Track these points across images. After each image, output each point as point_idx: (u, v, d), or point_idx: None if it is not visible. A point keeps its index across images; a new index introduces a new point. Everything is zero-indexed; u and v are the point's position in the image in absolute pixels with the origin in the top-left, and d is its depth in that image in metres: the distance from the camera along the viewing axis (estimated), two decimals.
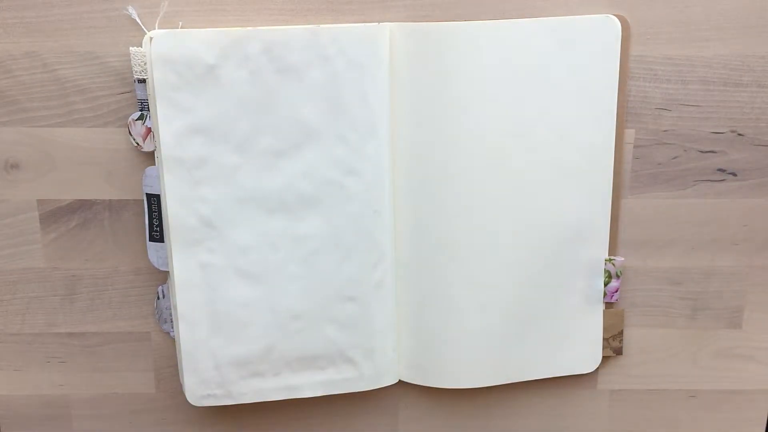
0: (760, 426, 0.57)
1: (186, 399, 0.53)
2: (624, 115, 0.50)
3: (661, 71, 0.50)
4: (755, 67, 0.50)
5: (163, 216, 0.50)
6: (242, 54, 0.47)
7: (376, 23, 0.48)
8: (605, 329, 0.54)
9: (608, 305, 0.54)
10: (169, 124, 0.48)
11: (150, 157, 0.50)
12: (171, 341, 0.54)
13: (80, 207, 0.52)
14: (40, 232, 0.52)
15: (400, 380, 0.53)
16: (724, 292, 0.54)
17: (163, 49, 0.46)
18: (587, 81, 0.49)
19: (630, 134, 0.51)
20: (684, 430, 0.57)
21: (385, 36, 0.48)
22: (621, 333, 0.55)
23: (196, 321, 0.51)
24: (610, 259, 0.53)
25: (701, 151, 0.51)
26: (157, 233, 0.51)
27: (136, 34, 0.48)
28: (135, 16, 0.48)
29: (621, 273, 0.53)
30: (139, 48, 0.47)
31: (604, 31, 0.48)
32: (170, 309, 0.53)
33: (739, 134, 0.51)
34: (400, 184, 0.51)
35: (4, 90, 0.49)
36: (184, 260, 0.50)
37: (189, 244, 0.50)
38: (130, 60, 0.48)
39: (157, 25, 0.48)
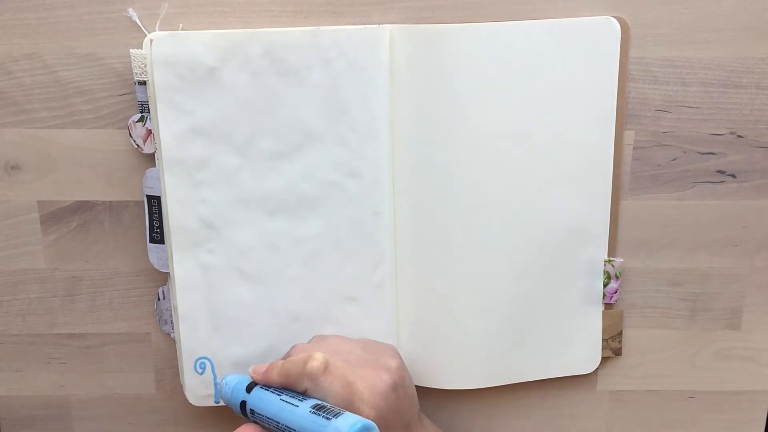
0: (759, 427, 0.57)
1: (186, 399, 0.53)
2: (623, 117, 0.50)
3: (660, 73, 0.50)
4: (755, 69, 0.50)
5: (163, 217, 0.50)
6: (243, 56, 0.47)
7: (377, 25, 0.48)
8: (604, 330, 0.54)
9: (607, 306, 0.54)
10: (169, 126, 0.48)
11: (150, 159, 0.50)
12: (171, 342, 0.54)
13: (81, 208, 0.52)
14: (41, 234, 0.52)
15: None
16: (723, 293, 0.54)
17: (163, 51, 0.46)
18: (587, 83, 0.49)
19: (629, 136, 0.51)
20: (683, 430, 0.57)
21: (386, 38, 0.48)
22: (620, 334, 0.55)
23: (196, 321, 0.51)
24: (609, 260, 0.53)
25: (701, 153, 0.51)
26: (157, 234, 0.51)
27: (137, 36, 0.48)
28: (135, 17, 0.48)
29: (620, 274, 0.53)
30: (140, 50, 0.47)
31: (603, 33, 0.48)
32: (170, 310, 0.53)
33: (739, 136, 0.51)
34: (400, 186, 0.51)
35: (4, 91, 0.49)
36: (185, 261, 0.50)
37: (189, 245, 0.50)
38: (130, 62, 0.48)
39: (157, 26, 0.48)
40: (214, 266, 0.50)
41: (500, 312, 0.52)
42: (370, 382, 0.45)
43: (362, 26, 0.48)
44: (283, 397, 0.43)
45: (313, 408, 0.42)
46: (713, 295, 0.54)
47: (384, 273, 0.52)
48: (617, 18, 0.48)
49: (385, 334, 0.52)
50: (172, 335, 0.54)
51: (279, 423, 0.43)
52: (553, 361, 0.54)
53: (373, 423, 0.41)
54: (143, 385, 0.55)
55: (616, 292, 0.53)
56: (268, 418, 0.44)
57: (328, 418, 0.41)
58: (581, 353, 0.54)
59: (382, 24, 0.48)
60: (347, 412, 0.42)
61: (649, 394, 0.56)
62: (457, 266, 0.51)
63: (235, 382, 0.46)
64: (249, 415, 0.45)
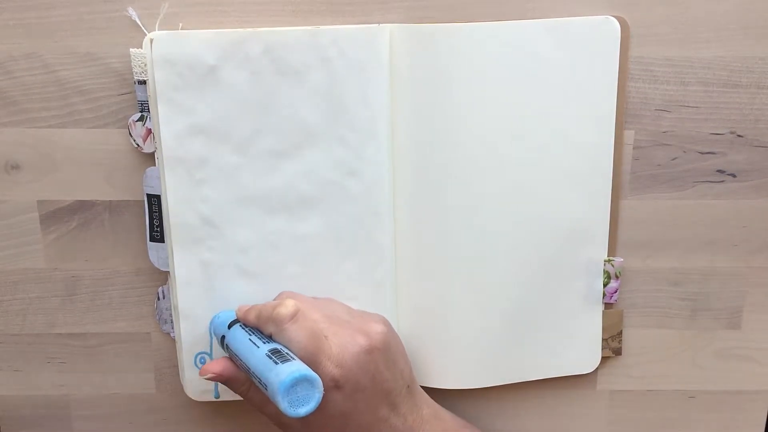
0: (759, 426, 0.57)
1: (186, 399, 0.53)
2: (623, 117, 0.50)
3: (660, 72, 0.50)
4: (755, 68, 0.50)
5: (163, 215, 0.50)
6: (243, 55, 0.47)
7: (377, 24, 0.48)
8: (604, 330, 0.54)
9: (607, 306, 0.54)
10: (170, 125, 0.48)
11: (150, 158, 0.50)
12: (171, 342, 0.54)
13: (80, 208, 0.52)
14: (41, 233, 0.52)
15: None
16: (723, 292, 0.54)
17: (163, 51, 0.46)
18: (586, 82, 0.49)
19: (629, 135, 0.51)
20: (683, 430, 0.57)
21: (385, 37, 0.48)
22: (620, 333, 0.55)
23: (196, 318, 0.51)
24: (609, 260, 0.53)
25: (701, 153, 0.51)
26: (157, 233, 0.51)
27: (137, 36, 0.48)
28: (135, 17, 0.48)
29: (620, 274, 0.53)
30: (140, 49, 0.47)
31: (603, 32, 0.48)
32: (170, 309, 0.53)
33: (739, 135, 0.51)
34: (400, 185, 0.51)
35: (4, 91, 0.49)
36: (185, 259, 0.50)
37: (189, 242, 0.50)
38: (130, 61, 0.48)
39: (157, 26, 0.48)
40: (215, 264, 0.50)
41: (500, 311, 0.52)
42: (344, 341, 0.45)
43: (362, 26, 0.48)
44: (252, 337, 0.45)
45: (269, 351, 0.43)
46: (713, 295, 0.54)
47: (384, 273, 0.52)
48: (617, 17, 0.48)
49: None
50: (171, 335, 0.54)
51: (241, 360, 0.45)
52: (553, 360, 0.54)
53: (317, 376, 0.41)
54: (143, 385, 0.55)
55: (616, 292, 0.53)
56: (235, 354, 0.45)
57: (276, 362, 0.41)
58: (581, 353, 0.54)
59: (382, 24, 0.48)
60: (297, 361, 0.42)
61: (649, 394, 0.56)
62: (457, 266, 0.51)
63: (223, 317, 0.49)
64: (225, 349, 0.47)
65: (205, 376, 0.46)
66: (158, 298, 0.53)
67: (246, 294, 0.51)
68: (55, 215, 0.52)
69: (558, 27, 0.48)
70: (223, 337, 0.48)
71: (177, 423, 0.56)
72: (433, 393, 0.53)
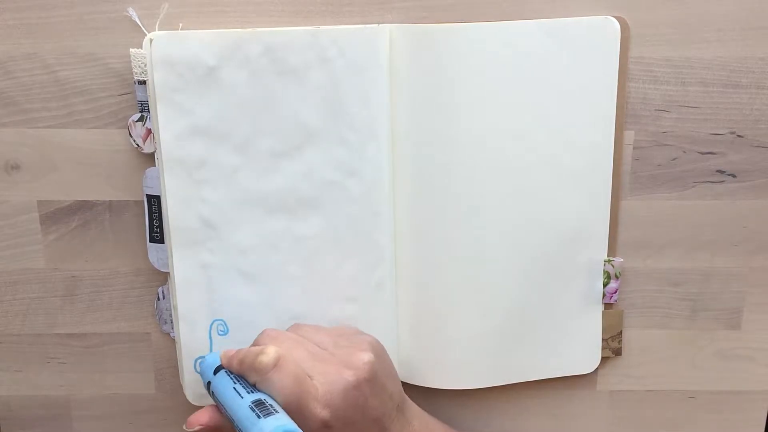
0: (759, 427, 0.57)
1: (186, 399, 0.53)
2: (623, 117, 0.50)
3: (660, 73, 0.50)
4: (755, 68, 0.50)
5: (163, 217, 0.50)
6: (243, 55, 0.47)
7: (376, 25, 0.48)
8: (604, 330, 0.54)
9: (607, 306, 0.54)
10: (169, 125, 0.48)
11: (150, 159, 0.50)
12: (171, 342, 0.54)
13: (80, 208, 0.52)
14: (41, 233, 0.52)
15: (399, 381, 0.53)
16: (723, 293, 0.54)
17: (163, 51, 0.46)
18: (587, 82, 0.49)
19: (629, 135, 0.51)
20: (683, 430, 0.57)
21: (385, 37, 0.48)
22: (620, 334, 0.55)
23: (196, 320, 0.51)
24: (609, 260, 0.53)
25: (701, 153, 0.51)
26: (157, 234, 0.51)
27: (137, 36, 0.48)
28: (135, 17, 0.48)
29: (620, 274, 0.53)
30: (140, 49, 0.48)
31: (603, 32, 0.48)
32: (170, 310, 0.53)
33: (739, 136, 0.51)
34: (400, 186, 0.51)
35: (4, 91, 0.49)
36: (185, 260, 0.50)
37: (189, 244, 0.50)
38: (130, 61, 0.48)
39: (157, 26, 0.48)
40: (214, 265, 0.50)
41: (500, 312, 0.52)
42: (330, 380, 0.44)
43: (362, 26, 0.48)
44: (236, 386, 0.44)
45: (253, 403, 0.42)
46: (713, 295, 0.54)
47: (384, 273, 0.52)
48: (617, 18, 0.48)
49: (384, 334, 0.52)
50: (171, 335, 0.54)
51: (226, 410, 0.44)
52: (553, 361, 0.54)
53: (299, 431, 0.40)
54: (143, 385, 0.56)
55: (615, 292, 0.53)
56: (220, 402, 0.44)
57: (258, 417, 0.41)
58: (581, 353, 0.54)
59: (381, 23, 0.48)
60: (281, 414, 0.41)
61: (649, 394, 0.56)
62: (457, 266, 0.51)
63: (210, 361, 0.47)
64: (211, 395, 0.46)
65: (192, 429, 0.45)
66: (158, 299, 0.53)
67: (246, 295, 0.51)
68: (55, 215, 0.52)
69: (558, 27, 0.48)
70: (209, 383, 0.46)
71: (177, 423, 0.56)
72: (433, 393, 0.53)
